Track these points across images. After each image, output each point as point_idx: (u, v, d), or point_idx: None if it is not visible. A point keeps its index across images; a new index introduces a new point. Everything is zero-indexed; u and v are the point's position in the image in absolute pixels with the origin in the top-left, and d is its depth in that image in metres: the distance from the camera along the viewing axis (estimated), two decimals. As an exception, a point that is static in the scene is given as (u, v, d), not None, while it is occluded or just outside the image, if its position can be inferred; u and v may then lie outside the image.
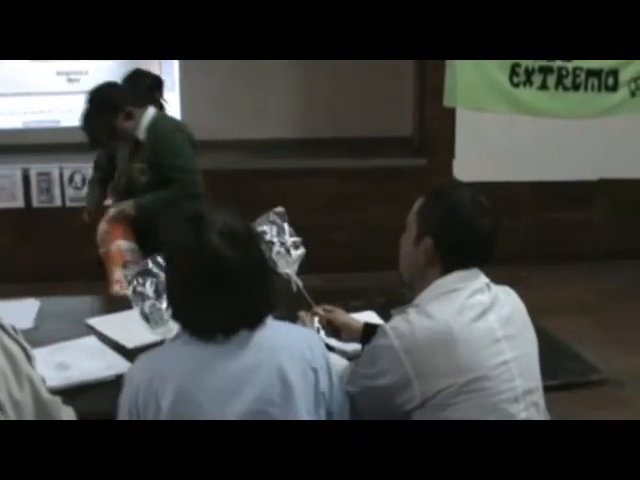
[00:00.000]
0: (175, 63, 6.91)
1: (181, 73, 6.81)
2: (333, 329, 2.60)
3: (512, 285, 2.22)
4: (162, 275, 2.40)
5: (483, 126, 6.41)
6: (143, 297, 2.45)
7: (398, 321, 2.02)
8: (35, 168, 6.20)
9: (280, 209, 2.94)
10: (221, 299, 1.76)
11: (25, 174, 6.20)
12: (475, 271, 2.10)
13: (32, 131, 6.67)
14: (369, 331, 2.43)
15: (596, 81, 6.53)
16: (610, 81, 6.54)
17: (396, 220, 6.52)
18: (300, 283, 2.85)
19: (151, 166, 3.85)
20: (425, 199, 2.16)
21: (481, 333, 2.00)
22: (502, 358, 2.01)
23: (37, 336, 2.69)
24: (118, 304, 3.08)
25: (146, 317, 2.47)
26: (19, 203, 6.20)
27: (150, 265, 2.49)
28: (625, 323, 5.42)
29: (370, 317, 2.93)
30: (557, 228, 6.67)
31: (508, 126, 6.43)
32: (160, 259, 2.44)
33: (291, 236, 2.88)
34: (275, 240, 2.83)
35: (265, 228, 2.80)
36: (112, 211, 3.88)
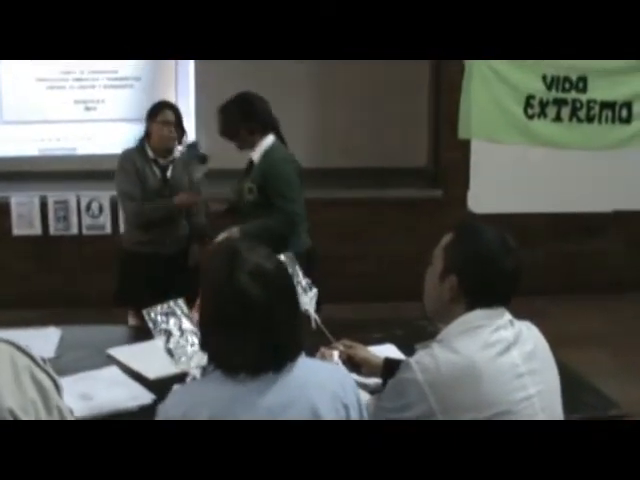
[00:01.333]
0: (191, 93, 6.95)
1: (197, 101, 6.86)
2: (353, 364, 2.62)
3: (528, 316, 2.23)
4: (183, 317, 2.50)
5: (497, 157, 6.43)
6: (168, 334, 2.51)
7: (422, 355, 2.03)
8: (52, 196, 6.26)
9: (289, 254, 3.01)
10: (245, 338, 1.78)
11: (43, 202, 6.27)
12: (499, 309, 2.12)
13: (49, 159, 6.69)
14: (389, 366, 2.46)
15: (610, 113, 6.56)
16: (624, 113, 6.57)
17: (412, 251, 6.60)
18: (319, 320, 2.92)
19: (259, 188, 4.07)
20: (453, 236, 2.16)
21: (505, 368, 2.01)
22: (525, 393, 2.02)
23: (59, 365, 2.68)
24: (138, 334, 3.11)
25: (170, 352, 2.52)
26: (37, 230, 6.26)
27: (173, 306, 2.55)
28: (636, 349, 5.42)
29: (390, 350, 2.94)
30: (572, 259, 6.68)
31: (522, 158, 6.45)
32: (181, 302, 2.54)
33: (303, 277, 2.97)
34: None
35: None
36: (221, 235, 4.01)
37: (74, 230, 6.26)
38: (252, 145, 4.16)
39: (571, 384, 2.58)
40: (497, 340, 2.04)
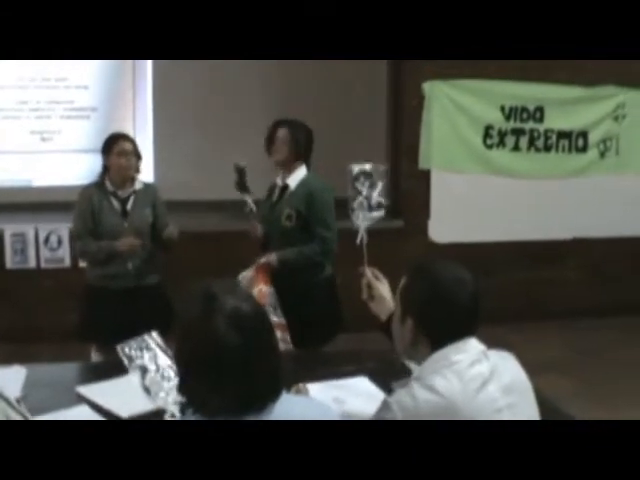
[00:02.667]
0: (149, 124, 6.92)
1: (155, 132, 6.83)
2: (369, 294, 2.71)
3: (488, 345, 2.21)
4: (158, 350, 2.43)
5: (457, 187, 6.49)
6: (143, 370, 2.45)
7: (402, 394, 2.02)
8: (9, 228, 6.13)
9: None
10: (223, 383, 1.73)
11: (-1, 234, 6.12)
12: (469, 340, 2.11)
13: (4, 190, 6.59)
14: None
15: (567, 142, 6.70)
16: (580, 142, 6.72)
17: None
18: (366, 239, 2.95)
19: (298, 215, 4.17)
20: (407, 278, 2.18)
21: (484, 404, 2.00)
22: None
23: (27, 405, 2.63)
24: (106, 371, 3.04)
25: (147, 389, 2.46)
26: (-8, 264, 6.11)
27: (147, 339, 2.49)
28: (603, 380, 5.46)
29: (363, 383, 2.92)
30: (532, 287, 6.74)
31: (483, 187, 6.53)
32: (155, 335, 2.48)
33: (380, 195, 2.88)
34: (364, 190, 2.89)
35: (362, 174, 2.80)
36: (259, 261, 4.12)
37: (32, 263, 6.13)
38: (290, 170, 4.29)
39: (542, 411, 2.56)
40: (474, 376, 2.03)
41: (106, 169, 4.38)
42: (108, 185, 4.37)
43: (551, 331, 6.38)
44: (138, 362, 2.44)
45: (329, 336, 4.26)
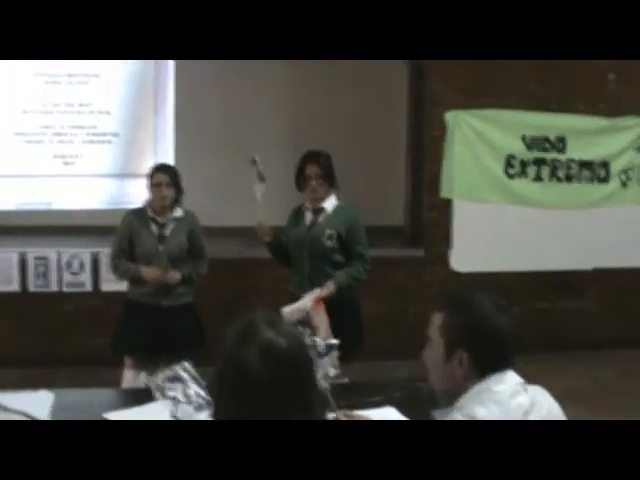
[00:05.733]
0: (170, 150, 6.95)
1: (176, 158, 6.87)
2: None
3: None
4: (189, 380, 2.44)
5: (479, 217, 6.48)
6: (175, 401, 2.45)
7: None
8: (32, 252, 6.16)
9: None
10: (245, 414, 1.70)
11: (22, 258, 6.16)
12: (509, 372, 2.11)
13: (27, 213, 6.63)
14: None
15: (588, 173, 6.67)
16: (602, 173, 6.70)
17: (394, 310, 6.55)
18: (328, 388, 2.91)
19: (338, 235, 4.53)
20: (445, 312, 2.14)
21: None
22: None
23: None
24: (133, 397, 3.04)
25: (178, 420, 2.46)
26: (15, 287, 6.15)
27: (179, 371, 2.50)
28: (621, 412, 5.40)
29: (391, 413, 2.91)
30: (552, 317, 6.70)
31: (504, 217, 6.51)
32: (187, 364, 2.48)
33: (325, 338, 2.95)
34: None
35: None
36: (320, 292, 4.32)
37: (54, 287, 6.16)
38: (323, 198, 4.57)
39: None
40: (515, 407, 2.03)
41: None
42: (149, 211, 4.69)
43: (570, 362, 6.32)
44: (170, 394, 2.44)
45: (351, 356, 4.29)
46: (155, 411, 2.66)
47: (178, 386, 2.46)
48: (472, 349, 2.07)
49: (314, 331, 3.71)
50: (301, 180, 4.59)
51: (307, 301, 4.27)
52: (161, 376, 2.51)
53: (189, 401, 2.43)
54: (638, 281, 6.82)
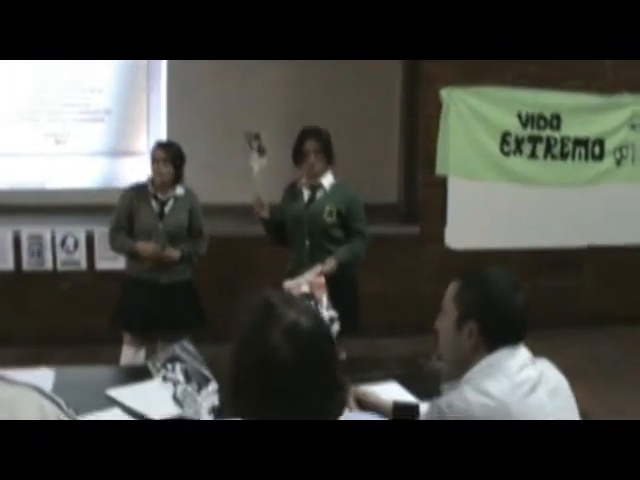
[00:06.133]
0: (163, 127, 6.91)
1: (169, 136, 6.82)
2: (362, 409, 2.60)
3: None
4: (190, 359, 2.41)
5: (474, 194, 6.47)
6: (174, 383, 2.43)
7: (452, 398, 2.02)
8: (26, 230, 6.12)
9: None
10: (268, 399, 1.62)
11: (16, 236, 6.12)
12: (518, 347, 2.12)
13: (20, 192, 6.60)
14: (399, 411, 2.44)
15: (583, 150, 6.67)
16: (596, 150, 6.69)
17: (389, 288, 6.55)
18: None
19: (338, 211, 4.53)
20: (460, 283, 2.18)
21: (533, 408, 2.02)
22: None
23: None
24: (134, 374, 3.02)
25: (179, 402, 2.45)
26: (9, 266, 6.11)
27: (177, 351, 2.49)
28: (617, 388, 5.44)
29: (394, 388, 2.92)
30: (548, 294, 6.70)
31: (499, 194, 6.50)
32: (186, 343, 2.46)
33: (327, 309, 2.90)
34: None
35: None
36: (322, 268, 4.24)
37: (48, 265, 6.13)
38: (320, 174, 4.55)
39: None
40: (524, 380, 2.05)
41: None
42: (150, 187, 4.67)
43: (565, 339, 6.33)
44: (169, 375, 2.42)
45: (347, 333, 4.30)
46: (157, 388, 2.64)
47: (177, 367, 2.44)
48: (483, 321, 2.09)
49: (317, 302, 3.70)
50: (299, 155, 4.55)
51: (308, 276, 4.21)
52: (159, 358, 2.48)
53: (189, 380, 2.41)
54: (633, 258, 6.85)
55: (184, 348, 2.50)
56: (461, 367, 2.14)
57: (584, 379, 5.43)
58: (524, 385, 2.04)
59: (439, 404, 2.02)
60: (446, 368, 2.22)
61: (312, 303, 3.38)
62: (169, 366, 2.44)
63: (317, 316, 1.72)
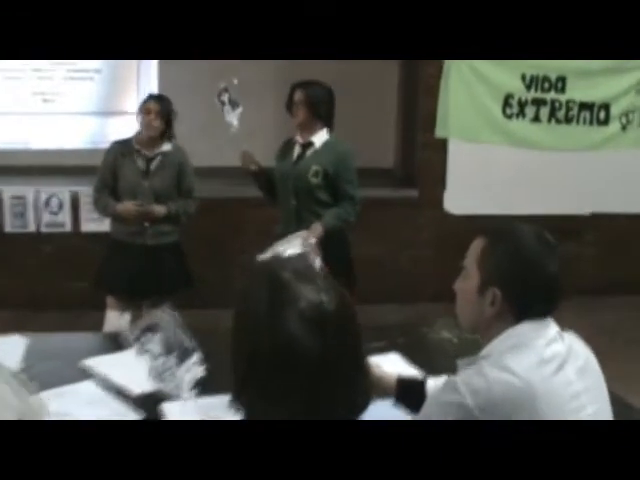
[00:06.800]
0: (154, 86, 6.70)
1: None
2: None
3: None
4: (171, 327, 2.17)
5: (475, 158, 6.30)
6: (152, 355, 2.18)
7: (470, 375, 1.78)
8: (8, 191, 5.90)
9: None
10: (287, 395, 1.33)
11: (-2, 197, 5.89)
12: (547, 319, 1.88)
13: (4, 152, 6.37)
14: (403, 385, 2.23)
15: (588, 114, 6.45)
16: (602, 115, 6.48)
17: (386, 254, 6.40)
18: None
19: (324, 172, 4.27)
20: (485, 242, 1.90)
21: (560, 388, 1.79)
22: (584, 413, 1.81)
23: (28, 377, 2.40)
24: (114, 342, 2.81)
25: (158, 377, 2.20)
26: (-9, 227, 5.89)
27: (156, 318, 2.23)
28: (620, 358, 5.29)
29: (395, 360, 2.74)
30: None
31: (501, 158, 6.34)
32: (168, 310, 2.22)
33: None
34: None
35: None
36: (307, 234, 4.03)
37: (32, 227, 5.91)
38: (311, 131, 4.34)
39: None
40: (552, 356, 1.81)
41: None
42: (134, 143, 4.43)
43: (567, 308, 6.13)
44: (146, 347, 2.17)
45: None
46: (136, 358, 2.43)
47: (156, 336, 2.19)
48: (508, 288, 1.83)
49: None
50: (290, 107, 4.39)
51: (292, 242, 4.07)
52: (138, 326, 2.25)
53: (169, 351, 2.17)
54: (637, 226, 6.69)
55: (165, 315, 2.26)
56: (481, 336, 1.90)
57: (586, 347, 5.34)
58: (552, 362, 1.80)
59: (455, 381, 1.78)
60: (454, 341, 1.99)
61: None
62: (146, 336, 2.20)
63: (341, 292, 1.38)
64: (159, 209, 4.37)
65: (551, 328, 1.87)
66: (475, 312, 1.90)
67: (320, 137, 4.37)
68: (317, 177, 4.29)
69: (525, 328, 1.84)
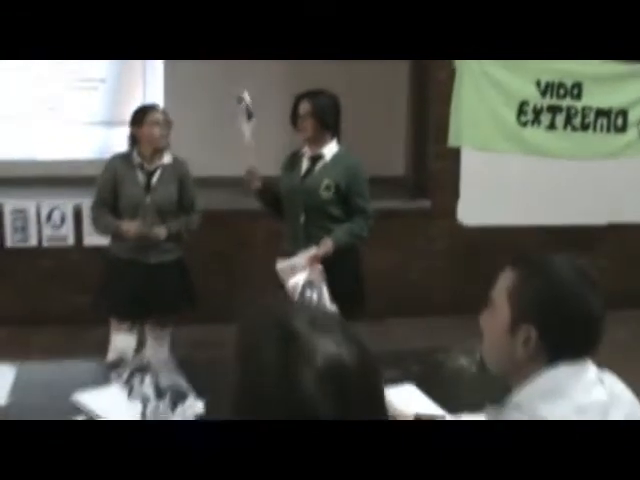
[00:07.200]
0: (160, 96, 6.60)
1: (166, 104, 6.49)
2: None
3: None
4: (161, 368, 1.99)
5: (489, 167, 6.18)
6: (143, 399, 1.99)
7: None
8: (9, 204, 5.76)
9: None
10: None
11: (-1, 210, 5.76)
12: (586, 361, 1.69)
13: (5, 163, 6.27)
14: None
15: (605, 121, 6.30)
16: (619, 121, 6.33)
17: (398, 266, 6.24)
18: None
19: (336, 186, 4.12)
20: (517, 273, 1.71)
21: None
22: None
23: (12, 416, 2.24)
24: (110, 371, 2.63)
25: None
26: (-9, 242, 5.76)
27: (146, 359, 2.06)
28: (634, 373, 5.11)
29: (410, 392, 2.57)
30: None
31: (515, 167, 6.22)
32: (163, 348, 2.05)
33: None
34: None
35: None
36: (316, 251, 4.00)
37: (33, 242, 5.77)
38: (320, 143, 4.19)
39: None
40: (591, 403, 1.62)
41: (134, 141, 4.29)
42: (135, 157, 4.27)
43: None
44: (137, 389, 1.99)
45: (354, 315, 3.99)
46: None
47: (147, 378, 2.00)
48: (545, 327, 1.64)
49: (319, 291, 3.37)
50: (295, 119, 4.22)
51: (301, 259, 3.95)
52: (129, 367, 2.07)
53: (160, 395, 1.99)
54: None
55: (157, 353, 2.09)
56: (511, 379, 1.71)
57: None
58: (591, 410, 1.61)
59: None
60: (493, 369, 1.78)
61: (314, 295, 3.05)
62: (137, 377, 2.02)
63: (360, 342, 1.19)
64: (160, 232, 4.24)
65: (590, 371, 1.68)
66: (505, 352, 1.70)
67: (330, 149, 4.22)
68: (329, 191, 4.13)
69: (561, 372, 1.64)
